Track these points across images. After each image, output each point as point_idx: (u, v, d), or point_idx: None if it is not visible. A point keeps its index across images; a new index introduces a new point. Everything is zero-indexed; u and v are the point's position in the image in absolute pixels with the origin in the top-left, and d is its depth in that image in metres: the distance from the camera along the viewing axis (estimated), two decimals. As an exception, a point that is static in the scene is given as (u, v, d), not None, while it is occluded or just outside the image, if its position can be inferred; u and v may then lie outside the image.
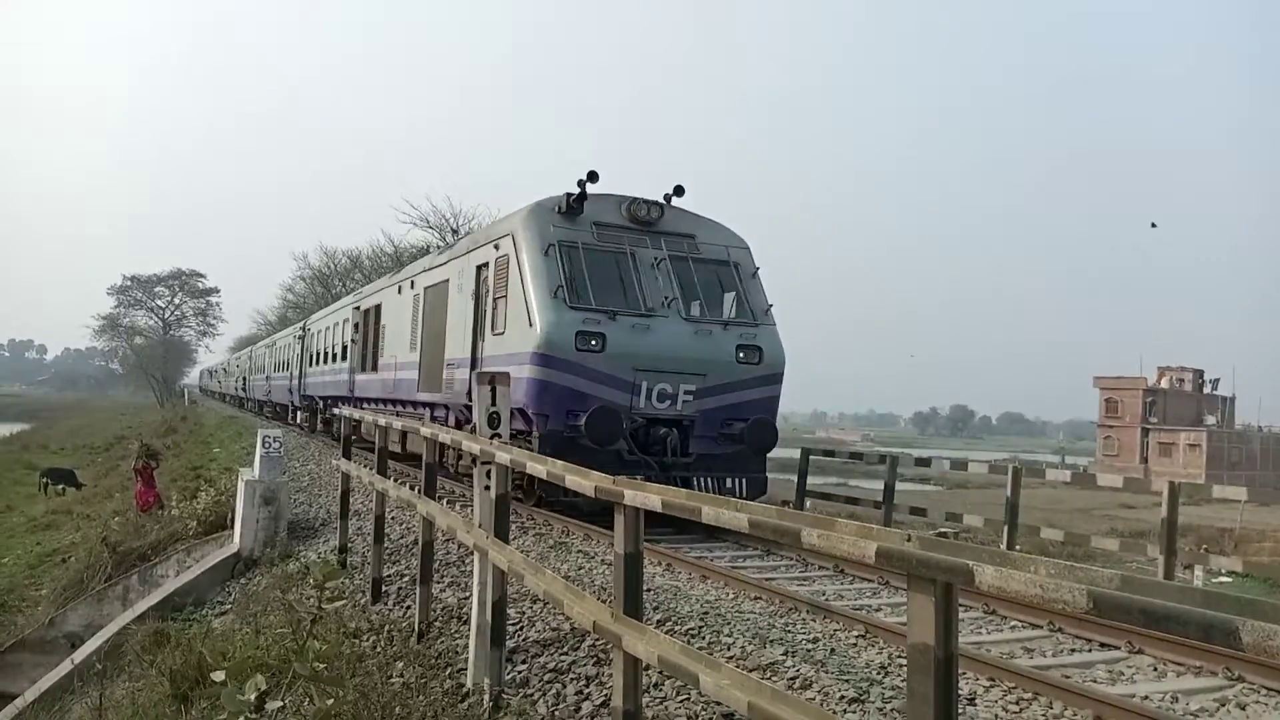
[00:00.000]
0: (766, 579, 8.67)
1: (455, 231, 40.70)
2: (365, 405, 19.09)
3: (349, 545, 10.92)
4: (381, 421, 9.46)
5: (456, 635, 7.31)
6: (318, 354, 26.28)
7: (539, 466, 5.35)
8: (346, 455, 10.93)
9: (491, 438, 6.26)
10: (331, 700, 5.11)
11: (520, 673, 6.31)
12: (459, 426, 12.36)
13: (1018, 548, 11.17)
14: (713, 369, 11.16)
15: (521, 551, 7.06)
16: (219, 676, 3.31)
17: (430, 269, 16.13)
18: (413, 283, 16.80)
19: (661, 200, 12.16)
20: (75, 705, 9.74)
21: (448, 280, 14.40)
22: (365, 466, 10.94)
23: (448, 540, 9.64)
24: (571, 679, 6.05)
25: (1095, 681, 5.84)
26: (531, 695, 5.94)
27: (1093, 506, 40.62)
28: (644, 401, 10.88)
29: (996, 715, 5.18)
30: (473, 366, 12.43)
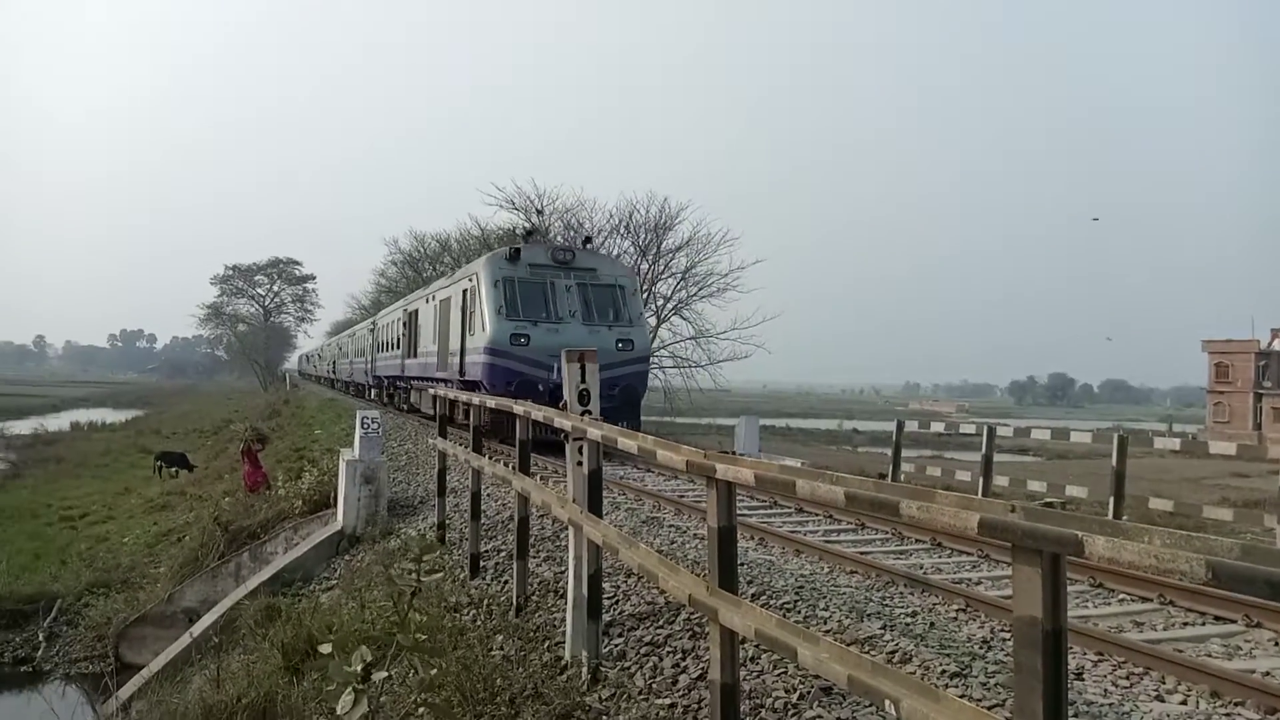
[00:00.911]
0: (862, 553, 8.57)
1: (540, 212, 41.03)
2: (411, 382, 26.02)
3: (447, 521, 11.18)
4: (476, 400, 9.62)
5: (553, 609, 7.42)
6: (382, 344, 32.91)
7: (630, 443, 5.37)
8: (443, 434, 11.17)
9: (582, 414, 6.31)
10: (435, 670, 5.25)
11: (617, 645, 6.39)
12: (472, 412, 16.75)
13: (1125, 519, 10.81)
14: (600, 355, 12.97)
15: (614, 526, 7.12)
16: (326, 649, 3.44)
17: (443, 288, 22.26)
18: (434, 297, 23.15)
19: (576, 247, 19.99)
20: (195, 676, 10.22)
21: (450, 298, 20.66)
22: (461, 445, 11.17)
23: (542, 515, 9.78)
24: (668, 652, 6.09)
25: (1210, 656, 5.62)
26: (629, 668, 6.00)
27: (1202, 476, 38.97)
28: (555, 375, 14.95)
29: (1106, 690, 5.04)
30: (461, 355, 18.78)
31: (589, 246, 21.59)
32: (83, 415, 63.64)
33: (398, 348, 28.39)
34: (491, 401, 9.60)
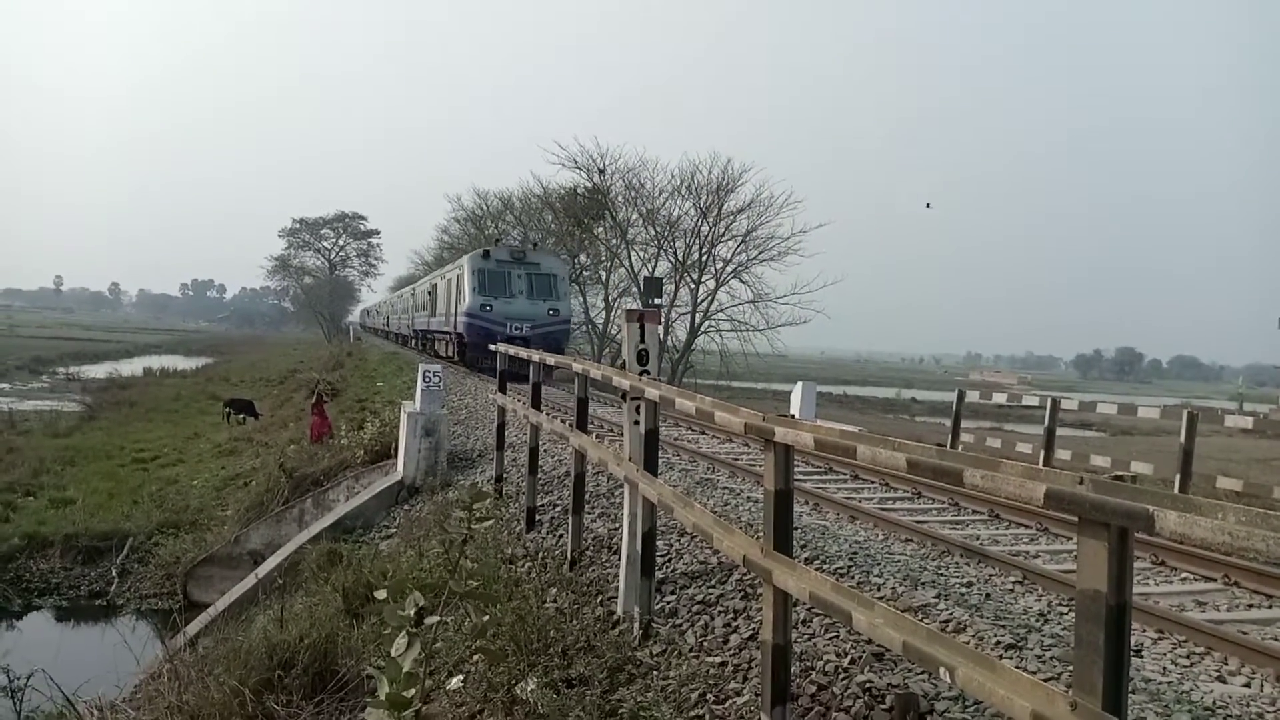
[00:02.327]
0: (917, 521, 8.51)
1: (602, 172, 40.99)
2: (435, 334, 34.42)
3: (504, 475, 11.33)
4: (535, 356, 9.70)
5: (607, 564, 7.51)
6: (418, 306, 41.20)
7: (688, 404, 5.37)
8: (502, 390, 11.29)
9: (641, 374, 6.32)
10: (486, 617, 5.34)
11: (669, 603, 6.44)
12: (457, 345, 28.58)
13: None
14: (536, 319, 25.76)
15: (669, 486, 7.15)
16: (382, 594, 3.51)
17: (447, 272, 32.31)
18: (444, 276, 32.71)
19: (528, 248, 29.65)
20: (259, 616, 10.56)
21: (451, 279, 30.28)
22: (520, 400, 11.28)
23: (597, 472, 9.86)
24: (719, 611, 6.13)
25: (1277, 639, 5.49)
26: (680, 625, 6.05)
27: (1273, 456, 37.82)
28: (510, 331, 24.76)
29: (1165, 668, 4.95)
30: (454, 317, 28.28)
31: (535, 249, 31.39)
32: (155, 361, 65.52)
33: (426, 309, 37.09)
34: (551, 359, 9.68)
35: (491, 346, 11.58)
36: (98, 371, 56.98)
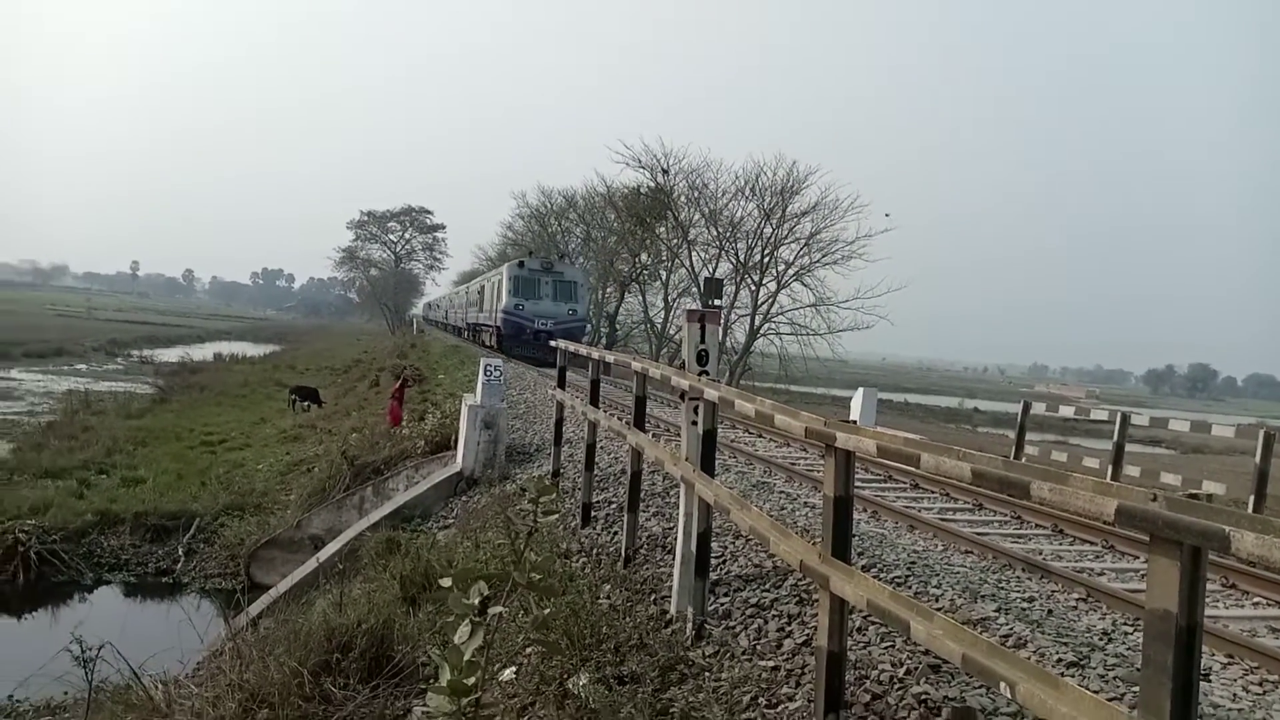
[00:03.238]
0: (978, 533, 8.37)
1: (665, 172, 41.00)
2: (482, 326, 39.68)
3: (561, 470, 11.41)
4: (595, 354, 9.74)
5: (661, 563, 7.51)
6: (470, 303, 46.35)
7: (747, 406, 5.35)
8: (561, 385, 11.36)
9: (700, 374, 6.32)
10: (548, 610, 5.39)
11: (722, 605, 6.42)
12: (496, 335, 34.16)
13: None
14: (558, 317, 31.30)
15: (725, 487, 7.13)
16: (446, 583, 3.56)
17: (491, 276, 39.30)
18: (490, 279, 38.84)
19: (555, 259, 35.82)
20: (319, 599, 10.78)
21: (493, 281, 36.91)
22: (578, 397, 11.35)
23: (653, 471, 9.88)
24: (774, 615, 6.10)
25: (1354, 671, 5.28)
26: (733, 627, 6.03)
27: (1355, 482, 36.42)
28: (536, 326, 31.13)
29: (1235, 695, 4.81)
30: (495, 313, 34.03)
31: (561, 260, 37.55)
32: (225, 347, 67.25)
33: (476, 306, 42.81)
34: (611, 357, 9.72)
35: (554, 343, 11.76)
36: (170, 355, 58.66)
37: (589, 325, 38.17)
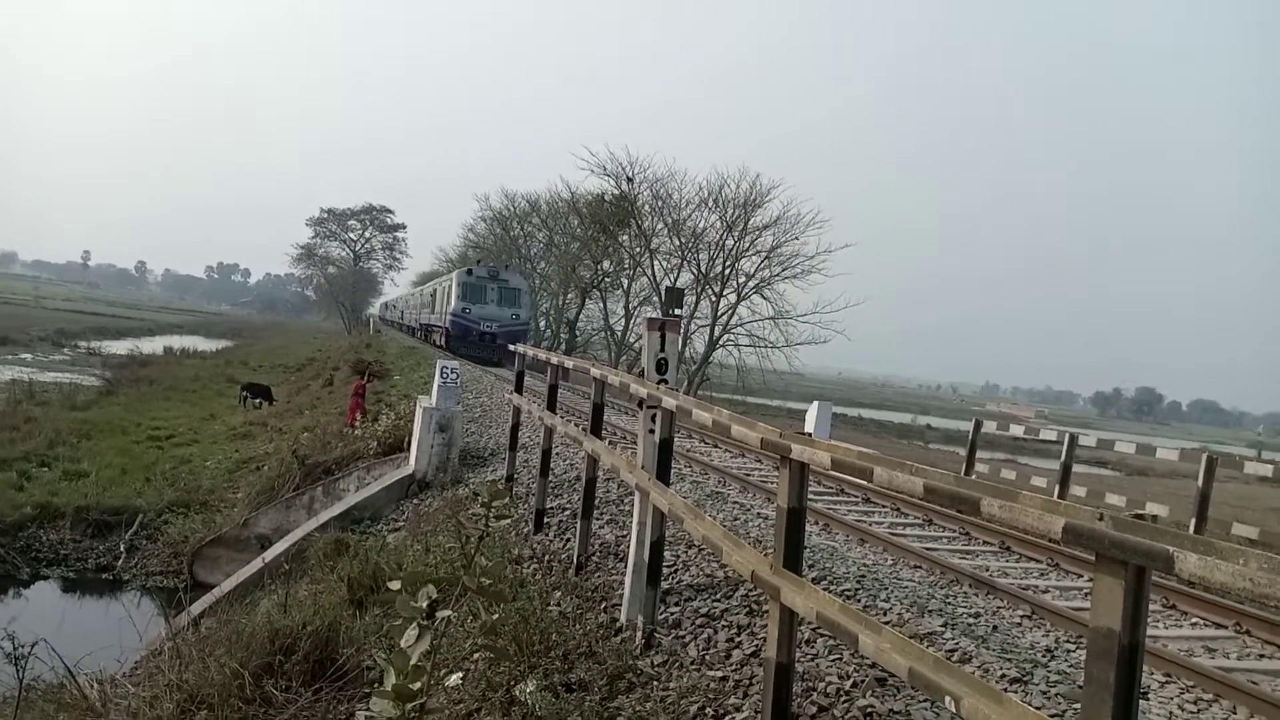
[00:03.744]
0: (928, 548, 8.45)
1: (630, 180, 41.04)
2: (433, 326, 42.72)
3: (515, 476, 11.34)
4: (554, 360, 9.70)
5: (612, 571, 7.49)
6: (424, 305, 49.12)
7: (705, 415, 5.36)
8: (518, 390, 11.30)
9: (659, 383, 6.32)
10: (497, 615, 5.34)
11: (673, 614, 6.42)
12: (445, 336, 36.81)
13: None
14: (502, 320, 34.51)
15: (680, 497, 7.13)
16: (395, 586, 3.51)
17: (443, 281, 42.03)
18: (441, 284, 42.01)
19: (501, 268, 38.93)
20: (263, 600, 10.60)
21: (443, 286, 39.86)
22: (535, 402, 11.29)
23: (609, 478, 9.85)
24: (724, 625, 6.10)
25: (1287, 692, 5.41)
26: (683, 637, 6.03)
27: (1291, 506, 37.36)
28: (482, 328, 34.29)
29: (1172, 713, 4.90)
30: (446, 315, 36.47)
31: (507, 269, 40.01)
32: (176, 341, 66.04)
33: (429, 308, 45.66)
34: (570, 362, 9.69)
35: (512, 347, 11.81)
36: (119, 348, 57.35)
37: (530, 329, 40.23)
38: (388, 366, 31.41)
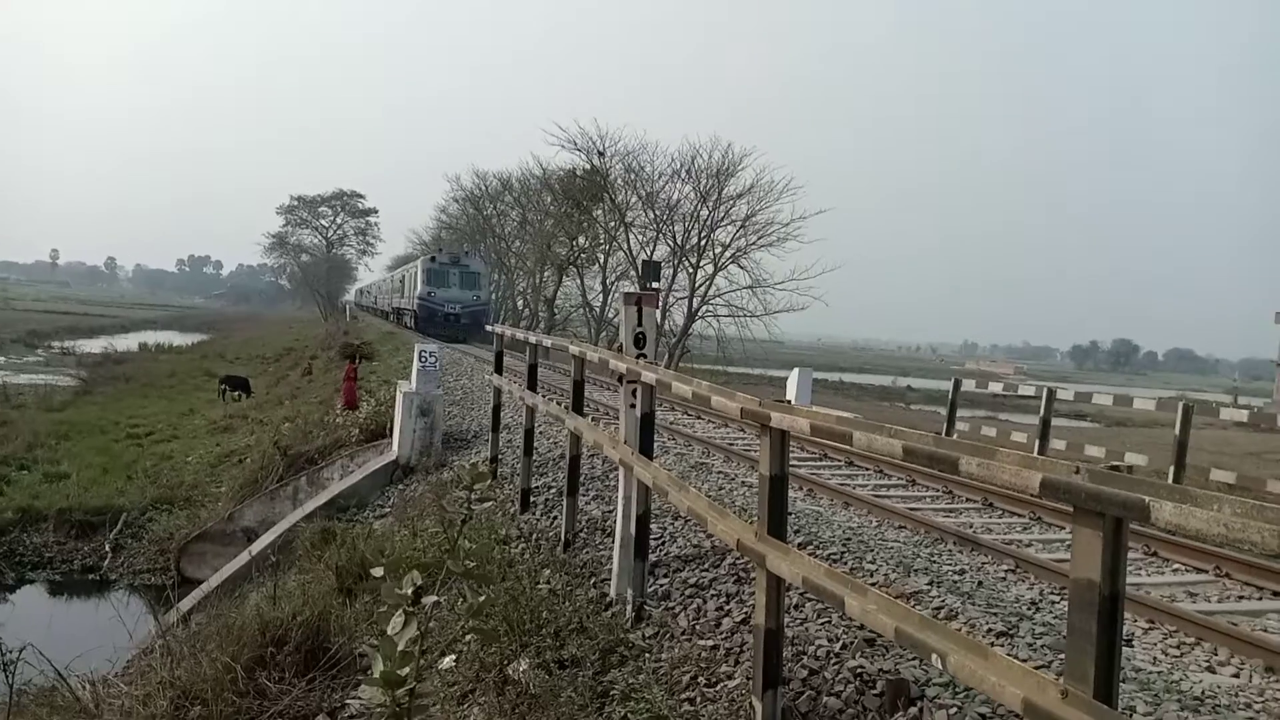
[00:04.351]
0: (911, 509, 8.52)
1: (602, 154, 40.81)
2: (403, 309, 46.55)
3: (500, 456, 11.33)
4: (532, 339, 9.68)
5: (600, 547, 7.52)
6: (395, 289, 52.85)
7: (685, 388, 5.36)
8: (498, 370, 11.28)
9: (638, 357, 6.31)
10: (483, 598, 5.35)
11: (662, 586, 6.45)
12: (414, 318, 41.09)
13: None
14: (465, 302, 38.76)
15: (664, 469, 7.15)
16: (378, 573, 3.50)
17: (409, 267, 46.83)
18: (409, 270, 45.65)
19: (462, 253, 43.70)
20: (252, 593, 10.57)
21: (410, 272, 44.66)
22: (516, 382, 11.27)
23: (593, 455, 9.87)
24: (712, 595, 6.15)
25: (1267, 631, 5.51)
26: (673, 608, 6.07)
27: (1267, 450, 37.90)
28: (446, 309, 38.54)
29: (1155, 658, 4.98)
30: (413, 298, 41.02)
31: (468, 254, 43.48)
32: (151, 337, 65.44)
33: (399, 293, 49.53)
34: (549, 341, 9.67)
35: (489, 328, 11.91)
36: (93, 346, 56.75)
37: (490, 308, 44.04)
38: (376, 348, 31.23)
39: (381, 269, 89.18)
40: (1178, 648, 5.18)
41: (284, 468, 16.44)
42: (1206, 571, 6.89)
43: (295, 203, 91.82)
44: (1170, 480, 10.54)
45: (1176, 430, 10.80)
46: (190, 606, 10.70)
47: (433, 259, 41.15)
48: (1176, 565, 7.10)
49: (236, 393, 31.60)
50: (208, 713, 5.76)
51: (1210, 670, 4.88)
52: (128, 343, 59.47)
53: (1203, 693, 4.51)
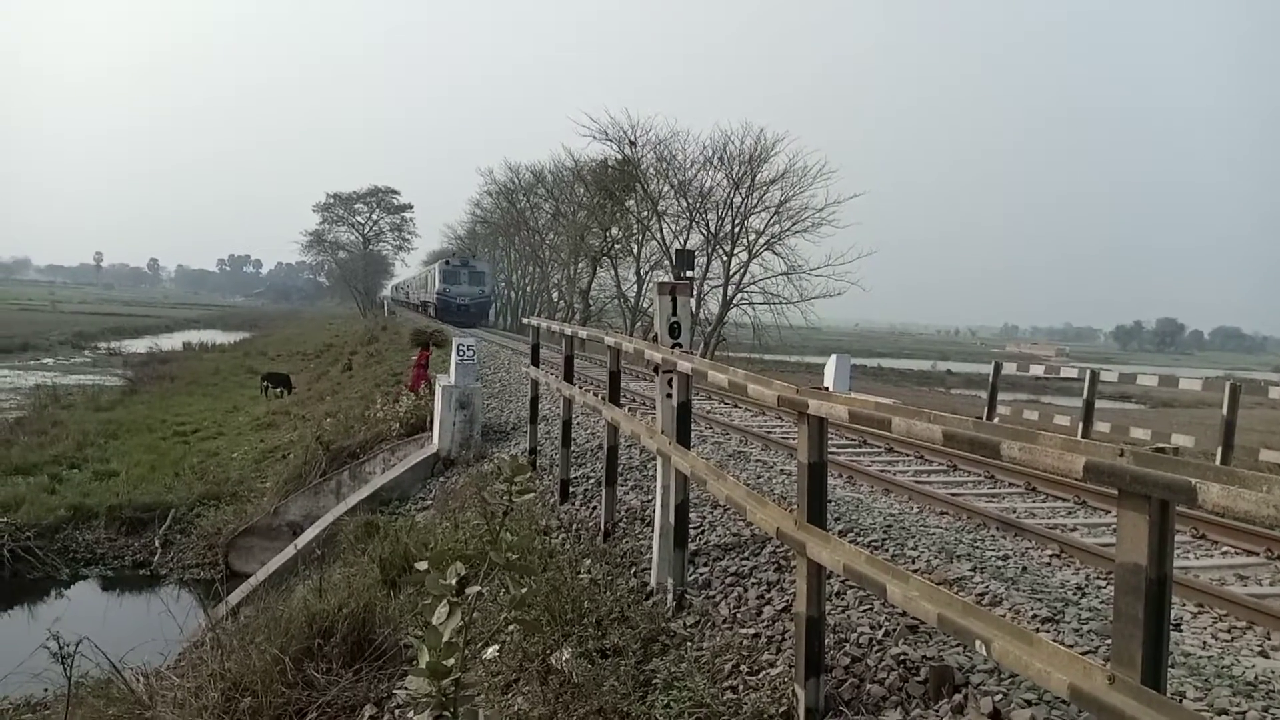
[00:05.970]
0: (953, 494, 8.45)
1: (633, 144, 40.72)
2: (428, 304, 57.01)
3: (538, 448, 11.40)
4: (568, 330, 9.71)
5: (640, 536, 7.54)
6: (421, 286, 63.63)
7: (721, 376, 5.35)
8: (535, 363, 11.33)
9: (673, 347, 6.31)
10: (525, 589, 5.39)
11: (702, 574, 6.46)
12: (434, 309, 53.58)
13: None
14: (473, 295, 51.94)
15: (702, 458, 7.14)
16: (423, 565, 3.55)
17: (432, 268, 61.56)
18: (431, 271, 59.91)
19: (469, 257, 58.48)
20: (298, 586, 10.74)
21: (432, 273, 58.45)
22: (553, 374, 11.32)
23: (630, 445, 9.89)
24: (753, 583, 6.14)
25: (1321, 614, 5.40)
26: (713, 596, 6.07)
27: (1319, 430, 37.06)
28: (458, 301, 50.92)
29: (1205, 643, 4.90)
30: (433, 294, 54.32)
31: (474, 258, 55.94)
32: (194, 336, 66.57)
33: (424, 289, 60.47)
34: (584, 332, 9.69)
35: (525, 320, 12.03)
36: (138, 346, 57.89)
37: (493, 299, 57.06)
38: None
39: (418, 264, 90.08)
40: (1228, 632, 5.10)
41: (326, 462, 16.67)
42: (1257, 554, 6.76)
43: (331, 200, 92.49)
44: (1218, 461, 10.35)
45: (1224, 410, 10.60)
46: (239, 600, 10.88)
47: (447, 262, 53.50)
48: (1225, 548, 6.97)
49: (279, 389, 32.04)
50: (258, 704, 5.88)
51: (1264, 655, 4.80)
52: (172, 342, 60.58)
53: (1255, 678, 4.43)
